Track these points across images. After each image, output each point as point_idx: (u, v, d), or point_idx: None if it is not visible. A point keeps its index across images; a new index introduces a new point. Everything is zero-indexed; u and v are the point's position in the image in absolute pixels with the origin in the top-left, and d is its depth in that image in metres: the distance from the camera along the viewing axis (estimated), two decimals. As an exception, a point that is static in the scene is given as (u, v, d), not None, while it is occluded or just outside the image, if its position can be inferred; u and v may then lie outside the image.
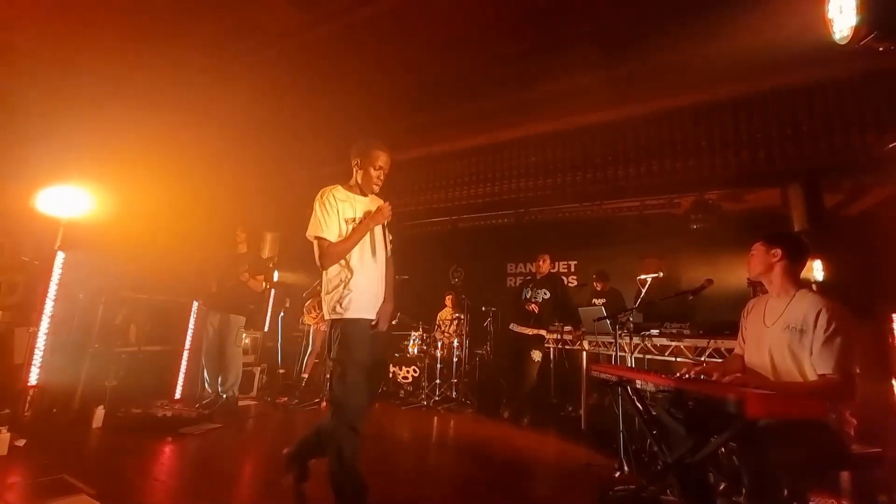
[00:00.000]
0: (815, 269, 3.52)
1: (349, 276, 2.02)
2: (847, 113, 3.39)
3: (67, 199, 3.54)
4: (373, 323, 2.05)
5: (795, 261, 1.93)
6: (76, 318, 3.71)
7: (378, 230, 2.14)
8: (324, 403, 4.55)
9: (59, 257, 3.46)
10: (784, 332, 1.83)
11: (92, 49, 3.63)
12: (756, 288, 2.03)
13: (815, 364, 1.70)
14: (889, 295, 2.71)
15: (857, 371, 1.65)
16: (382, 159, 2.12)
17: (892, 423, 2.20)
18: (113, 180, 3.88)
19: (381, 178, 2.14)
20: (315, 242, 2.04)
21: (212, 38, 3.53)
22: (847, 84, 3.39)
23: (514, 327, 4.54)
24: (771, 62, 3.19)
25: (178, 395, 4.26)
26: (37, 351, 3.26)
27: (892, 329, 2.30)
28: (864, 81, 3.33)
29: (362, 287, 2.03)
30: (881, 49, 1.34)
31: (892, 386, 2.28)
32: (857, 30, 1.38)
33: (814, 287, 3.41)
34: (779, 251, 1.94)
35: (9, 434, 2.60)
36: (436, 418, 4.46)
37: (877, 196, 3.74)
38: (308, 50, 3.63)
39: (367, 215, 2.08)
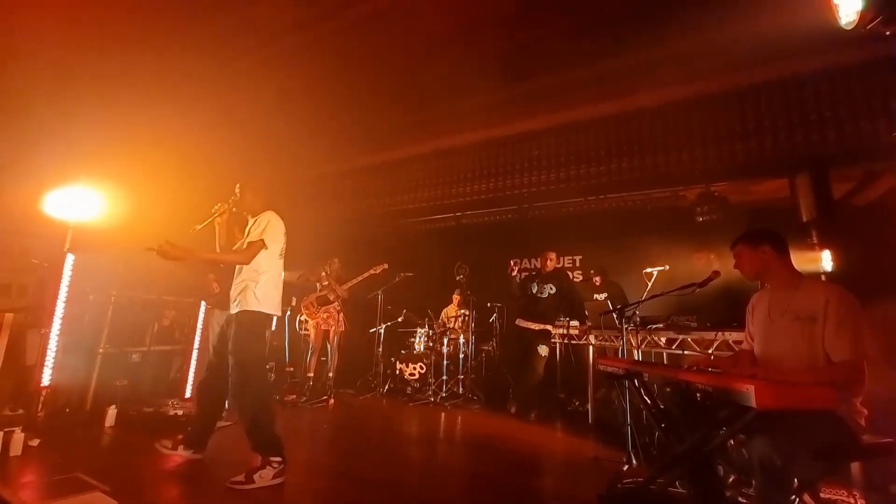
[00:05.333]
0: (824, 260, 3.48)
1: None
2: (855, 100, 3.33)
3: (76, 201, 3.59)
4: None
5: (784, 250, 1.93)
6: (87, 319, 3.75)
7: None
8: (331, 401, 4.58)
9: (69, 259, 3.49)
10: (794, 323, 1.81)
11: (95, 50, 3.64)
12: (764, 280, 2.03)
13: (829, 351, 1.69)
14: (900, 284, 2.67)
15: (868, 354, 1.65)
16: None
17: (904, 413, 2.17)
18: (120, 181, 3.92)
19: None
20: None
21: (215, 37, 3.54)
22: (855, 70, 3.32)
23: (520, 322, 4.54)
24: (777, 49, 3.14)
25: (188, 395, 4.30)
26: (49, 352, 3.30)
27: (902, 318, 2.27)
28: (871, 67, 3.26)
29: None
30: (888, 33, 1.31)
31: (903, 376, 2.25)
32: (863, 14, 1.36)
33: (822, 277, 3.37)
34: (767, 247, 1.92)
35: (23, 434, 2.64)
36: (443, 414, 4.48)
37: (887, 184, 3.67)
38: (309, 47, 3.63)
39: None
